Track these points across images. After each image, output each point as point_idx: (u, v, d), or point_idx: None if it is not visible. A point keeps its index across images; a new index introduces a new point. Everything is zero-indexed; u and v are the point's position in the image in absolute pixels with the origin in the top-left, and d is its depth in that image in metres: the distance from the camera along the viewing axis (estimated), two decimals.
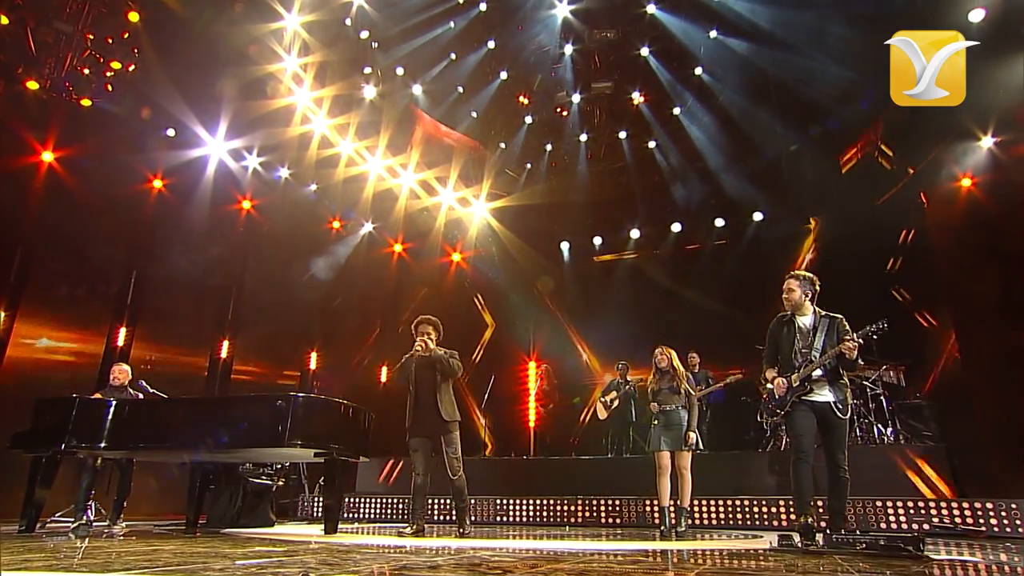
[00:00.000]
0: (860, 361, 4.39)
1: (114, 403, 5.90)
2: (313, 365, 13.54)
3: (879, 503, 6.88)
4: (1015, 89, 9.08)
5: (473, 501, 8.46)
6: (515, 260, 13.93)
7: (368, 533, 6.39)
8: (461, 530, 5.64)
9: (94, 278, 11.20)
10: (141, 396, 7.13)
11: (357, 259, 13.95)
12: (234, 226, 12.79)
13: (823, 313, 4.67)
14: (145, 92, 11.22)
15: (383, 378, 14.10)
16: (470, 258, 14.95)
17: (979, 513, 6.43)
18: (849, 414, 4.41)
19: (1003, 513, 6.36)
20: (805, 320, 4.68)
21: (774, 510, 7.37)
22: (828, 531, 4.09)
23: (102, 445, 5.77)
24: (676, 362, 6.46)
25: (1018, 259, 9.74)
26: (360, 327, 14.37)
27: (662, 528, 6.29)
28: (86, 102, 10.73)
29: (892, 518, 6.77)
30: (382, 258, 14.65)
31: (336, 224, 13.99)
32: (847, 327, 4.54)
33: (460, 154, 13.31)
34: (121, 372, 7.16)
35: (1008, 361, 9.62)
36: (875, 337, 4.28)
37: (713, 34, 9.95)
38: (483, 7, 10.39)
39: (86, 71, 10.74)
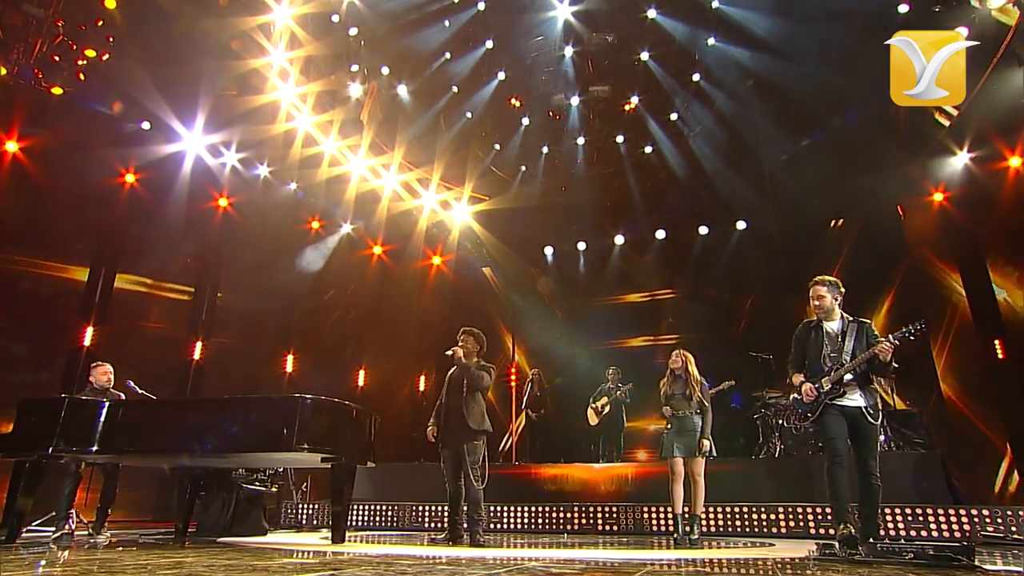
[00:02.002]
0: (895, 364, 4.36)
1: (107, 404, 5.56)
2: (290, 368, 13.17)
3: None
4: (993, 106, 9.43)
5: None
6: (498, 264, 13.82)
7: (374, 542, 6.18)
8: (474, 539, 5.49)
9: (60, 275, 10.71)
10: (123, 397, 6.79)
11: (336, 260, 13.66)
12: (210, 224, 12.35)
13: (850, 318, 4.67)
14: (119, 83, 10.76)
15: (361, 382, 13.83)
16: (451, 261, 14.78)
17: (975, 520, 6.56)
18: (880, 419, 4.40)
19: (999, 520, 6.49)
20: (832, 325, 4.67)
21: (772, 517, 7.39)
22: (871, 540, 4.04)
23: (94, 449, 5.41)
24: (692, 368, 6.35)
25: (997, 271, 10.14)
26: (338, 329, 14.04)
27: (675, 535, 6.20)
28: (57, 90, 10.21)
29: (891, 525, 6.83)
30: (361, 260, 14.37)
31: (316, 224, 13.66)
32: (876, 331, 4.56)
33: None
34: (104, 373, 6.80)
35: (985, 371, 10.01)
36: (912, 338, 4.28)
37: (711, 41, 10.05)
38: (481, 6, 10.28)
39: (56, 58, 10.21)
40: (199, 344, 11.94)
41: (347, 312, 14.11)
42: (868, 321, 4.66)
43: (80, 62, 10.36)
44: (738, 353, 10.48)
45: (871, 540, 4.02)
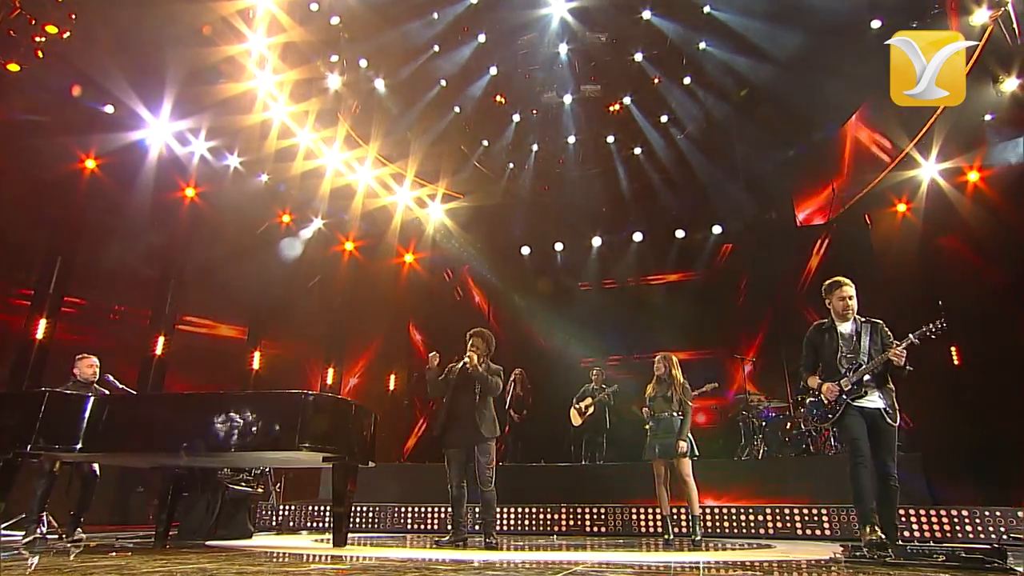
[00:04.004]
0: (908, 368, 4.43)
1: (92, 399, 5.21)
2: (256, 365, 12.73)
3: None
4: (956, 120, 9.81)
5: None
6: (479, 262, 13.70)
7: (372, 544, 6.00)
8: (488, 540, 5.39)
9: (11, 263, 10.09)
10: (106, 393, 6.43)
11: (307, 255, 13.30)
12: (175, 214, 11.81)
13: (863, 318, 4.72)
14: (81, 63, 10.21)
15: (329, 380, 13.48)
16: (424, 259, 14.57)
17: (955, 521, 6.77)
18: (898, 420, 4.47)
19: (977, 521, 6.72)
20: (846, 326, 4.71)
21: (760, 518, 7.48)
22: (899, 542, 4.08)
23: (77, 447, 5.05)
24: (675, 371, 6.36)
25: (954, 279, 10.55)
26: (308, 326, 13.64)
27: (666, 536, 6.22)
28: (13, 67, 9.62)
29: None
30: (333, 255, 14.03)
31: (286, 218, 13.24)
32: (889, 331, 4.64)
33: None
34: (89, 366, 6.43)
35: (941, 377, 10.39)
36: (932, 338, 4.36)
37: (702, 45, 10.17)
38: (474, 0, 10.11)
39: (12, 33, 9.63)
40: (161, 339, 11.40)
41: (316, 308, 13.74)
42: (880, 321, 4.73)
43: (39, 38, 9.79)
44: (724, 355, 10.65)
45: (899, 542, 4.06)
